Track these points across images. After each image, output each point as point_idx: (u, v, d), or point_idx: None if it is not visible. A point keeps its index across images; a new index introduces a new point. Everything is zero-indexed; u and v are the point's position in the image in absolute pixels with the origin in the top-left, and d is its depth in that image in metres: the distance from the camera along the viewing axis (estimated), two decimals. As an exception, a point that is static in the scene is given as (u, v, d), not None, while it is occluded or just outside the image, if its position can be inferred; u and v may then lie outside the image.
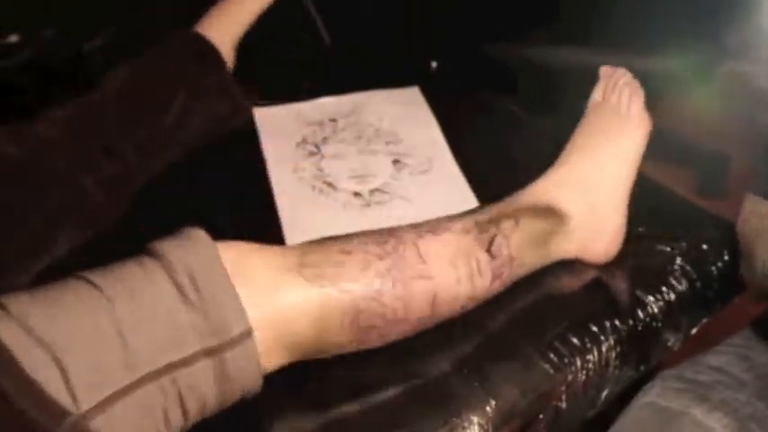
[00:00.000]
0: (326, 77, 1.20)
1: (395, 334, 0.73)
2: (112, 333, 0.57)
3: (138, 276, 0.60)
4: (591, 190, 0.83)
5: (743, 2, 0.93)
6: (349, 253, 0.70)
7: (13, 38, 1.17)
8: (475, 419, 0.72)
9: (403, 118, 1.12)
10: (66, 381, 0.55)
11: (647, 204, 0.90)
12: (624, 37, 0.96)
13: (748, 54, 0.92)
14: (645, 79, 0.87)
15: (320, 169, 1.04)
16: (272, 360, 0.66)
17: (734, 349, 0.85)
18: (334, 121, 1.12)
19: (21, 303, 0.57)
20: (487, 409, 0.73)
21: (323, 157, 1.06)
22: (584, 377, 0.79)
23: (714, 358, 0.84)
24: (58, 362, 0.55)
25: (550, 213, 0.81)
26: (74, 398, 0.55)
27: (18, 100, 1.02)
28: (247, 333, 0.62)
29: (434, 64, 1.22)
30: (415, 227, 0.75)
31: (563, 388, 0.77)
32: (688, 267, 0.88)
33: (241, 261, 0.64)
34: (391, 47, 1.20)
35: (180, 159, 1.01)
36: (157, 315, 0.59)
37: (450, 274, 0.73)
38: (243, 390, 0.65)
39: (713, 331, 0.91)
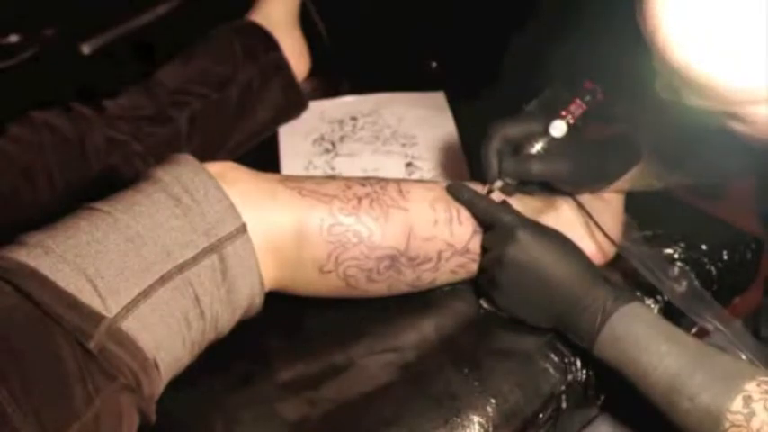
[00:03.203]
0: (325, 77, 1.20)
1: (372, 261, 0.74)
2: (125, 245, 0.63)
3: (137, 196, 0.67)
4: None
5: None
6: (333, 178, 0.76)
7: (13, 38, 1.17)
8: (475, 419, 0.73)
9: (422, 121, 1.11)
10: (95, 288, 0.61)
11: (645, 206, 0.90)
12: (621, 30, 0.96)
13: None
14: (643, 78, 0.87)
15: (332, 167, 1.04)
16: (263, 263, 0.70)
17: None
18: (354, 119, 1.13)
19: (38, 235, 0.63)
20: (488, 408, 0.73)
21: (337, 154, 1.07)
22: (584, 377, 0.79)
23: None
24: (83, 273, 0.61)
25: (541, 195, 0.84)
26: (103, 303, 0.61)
27: (19, 99, 1.02)
28: (242, 228, 0.68)
29: (434, 64, 1.22)
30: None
31: (563, 388, 0.77)
32: (687, 268, 0.88)
33: (225, 172, 0.70)
34: (391, 47, 1.20)
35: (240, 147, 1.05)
36: (159, 223, 0.65)
37: (428, 213, 0.76)
38: (248, 294, 0.69)
39: (712, 331, 0.91)
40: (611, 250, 0.86)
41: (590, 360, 0.76)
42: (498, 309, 0.79)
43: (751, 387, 0.65)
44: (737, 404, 0.64)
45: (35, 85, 1.11)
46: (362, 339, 0.79)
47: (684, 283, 0.85)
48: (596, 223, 0.83)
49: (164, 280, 0.64)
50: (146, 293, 0.63)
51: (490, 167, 0.80)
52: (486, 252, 0.78)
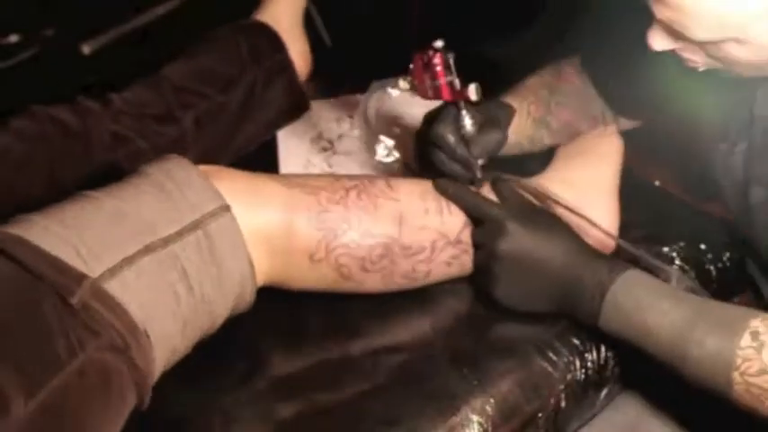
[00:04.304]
0: (325, 77, 1.20)
1: (364, 249, 0.74)
2: (109, 219, 0.65)
3: (123, 185, 0.69)
4: (578, 188, 0.87)
5: None
6: (320, 176, 0.78)
7: (13, 38, 1.17)
8: (474, 418, 0.72)
9: (420, 119, 1.11)
10: (78, 253, 0.62)
11: (645, 206, 0.90)
12: (617, 30, 0.96)
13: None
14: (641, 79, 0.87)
15: (330, 165, 1.05)
16: (254, 254, 0.70)
17: None
18: (351, 117, 1.13)
19: (26, 216, 0.65)
20: (487, 408, 0.73)
21: (334, 152, 1.07)
22: (583, 377, 0.79)
23: None
24: (68, 241, 0.62)
25: (535, 192, 0.84)
26: (86, 265, 0.62)
27: (19, 100, 1.02)
28: (226, 207, 0.69)
29: (434, 64, 1.22)
30: None
31: (562, 387, 0.77)
32: (687, 267, 0.88)
33: (214, 171, 0.72)
34: (391, 47, 1.20)
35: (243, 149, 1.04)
36: (143, 202, 0.67)
37: (418, 203, 0.77)
38: (238, 273, 0.69)
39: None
40: (610, 243, 0.86)
41: (588, 360, 0.76)
42: (499, 306, 0.79)
43: (756, 323, 0.66)
44: (746, 340, 0.65)
45: (35, 86, 1.11)
46: (361, 339, 0.79)
47: (684, 284, 0.85)
48: (590, 221, 0.83)
49: (148, 250, 0.65)
50: (129, 260, 0.64)
51: (466, 162, 0.78)
52: (478, 248, 0.78)
